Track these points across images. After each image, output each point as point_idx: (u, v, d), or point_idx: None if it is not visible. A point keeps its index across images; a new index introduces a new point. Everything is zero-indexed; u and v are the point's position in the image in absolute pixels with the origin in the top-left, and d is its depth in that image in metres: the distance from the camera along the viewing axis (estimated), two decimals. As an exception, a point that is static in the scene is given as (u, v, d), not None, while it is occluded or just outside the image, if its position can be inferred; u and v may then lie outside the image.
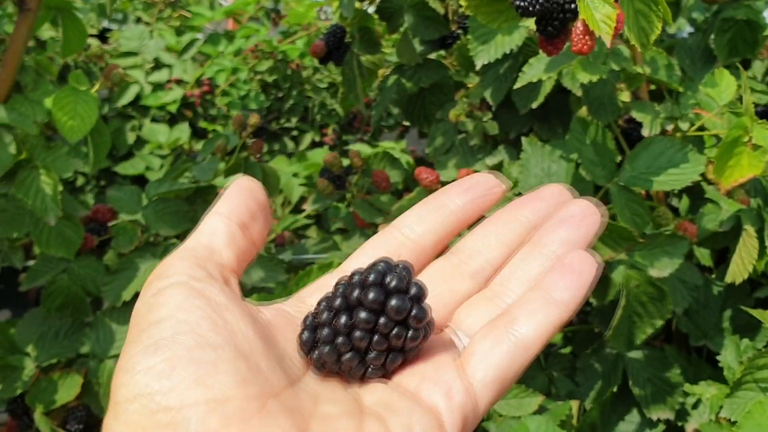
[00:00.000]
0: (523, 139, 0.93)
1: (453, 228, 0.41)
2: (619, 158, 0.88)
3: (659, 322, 0.87)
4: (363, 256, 0.40)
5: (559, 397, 0.97)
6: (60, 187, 0.89)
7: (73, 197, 1.00)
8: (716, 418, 0.91)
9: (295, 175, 1.92)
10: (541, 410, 0.93)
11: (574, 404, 0.96)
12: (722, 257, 1.04)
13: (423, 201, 0.41)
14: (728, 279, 0.94)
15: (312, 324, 0.33)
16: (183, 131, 2.23)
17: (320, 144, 2.27)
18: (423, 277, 0.39)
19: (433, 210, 0.41)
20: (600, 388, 0.96)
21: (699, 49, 1.15)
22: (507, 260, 0.40)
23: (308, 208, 1.11)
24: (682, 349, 1.03)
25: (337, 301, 0.33)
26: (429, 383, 0.33)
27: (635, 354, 0.97)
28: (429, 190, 1.05)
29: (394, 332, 0.32)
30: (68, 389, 0.94)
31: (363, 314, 0.32)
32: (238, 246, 0.36)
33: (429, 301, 0.33)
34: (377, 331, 0.32)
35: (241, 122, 1.13)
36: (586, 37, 0.69)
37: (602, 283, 0.86)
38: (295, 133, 2.33)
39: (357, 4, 1.18)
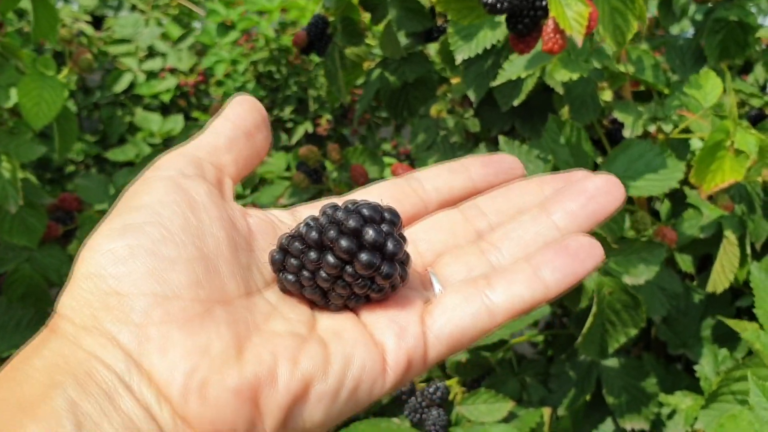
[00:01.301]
0: (500, 138, 0.90)
1: (466, 192, 0.40)
2: (600, 159, 0.85)
3: (633, 331, 0.84)
4: (367, 195, 0.39)
5: (531, 404, 0.94)
6: (21, 174, 0.87)
7: (40, 185, 0.98)
8: (691, 429, 0.88)
9: (287, 168, 1.90)
10: (511, 416, 0.90)
11: (546, 411, 0.93)
12: (705, 264, 1.01)
13: (444, 162, 0.42)
14: (709, 288, 0.91)
15: (284, 246, 0.33)
16: (177, 122, 2.21)
17: (314, 135, 2.24)
18: (429, 222, 0.39)
19: (451, 171, 0.41)
20: (573, 396, 0.93)
21: (690, 49, 1.12)
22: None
23: (284, 202, 1.09)
24: (660, 358, 1.00)
25: (312, 234, 0.32)
26: (386, 322, 0.33)
27: (610, 362, 0.94)
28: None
29: (358, 282, 0.32)
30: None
31: (331, 259, 0.32)
32: (240, 151, 0.37)
33: (423, 243, 0.35)
34: (341, 278, 0.33)
35: (218, 110, 1.10)
36: (557, 36, 0.67)
37: (575, 288, 0.83)
38: (289, 125, 2.30)
39: (340, -6, 1.15)
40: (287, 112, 2.25)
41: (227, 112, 0.38)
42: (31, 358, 0.29)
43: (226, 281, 0.32)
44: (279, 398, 0.29)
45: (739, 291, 0.98)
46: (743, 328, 0.78)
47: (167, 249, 0.31)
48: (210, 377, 0.29)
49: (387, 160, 1.38)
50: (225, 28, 2.18)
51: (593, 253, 0.34)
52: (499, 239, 0.38)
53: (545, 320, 1.32)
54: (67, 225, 0.98)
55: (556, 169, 0.89)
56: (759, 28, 1.08)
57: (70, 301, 0.30)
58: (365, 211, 0.33)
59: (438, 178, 0.40)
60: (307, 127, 2.19)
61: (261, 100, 2.28)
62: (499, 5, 0.65)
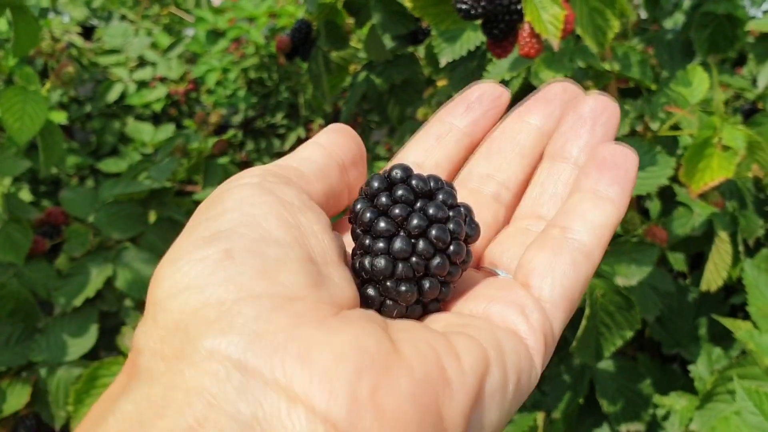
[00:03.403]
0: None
1: (463, 153, 0.36)
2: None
3: (629, 333, 0.83)
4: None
5: (524, 407, 0.93)
6: (10, 188, 0.86)
7: (23, 200, 0.97)
8: (687, 430, 0.87)
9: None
10: (505, 421, 0.89)
11: (540, 415, 0.92)
12: (697, 262, 1.00)
13: (426, 127, 0.37)
14: (703, 287, 0.90)
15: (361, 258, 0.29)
16: (168, 131, 2.20)
17: (307, 140, 2.23)
18: None
19: (438, 138, 0.36)
20: (567, 399, 0.92)
21: (678, 43, 1.11)
22: (527, 177, 0.36)
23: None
24: (655, 358, 0.99)
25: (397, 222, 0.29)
26: (499, 304, 0.28)
27: (604, 364, 0.93)
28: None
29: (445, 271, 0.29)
30: (18, 397, 0.91)
31: (425, 246, 0.28)
32: (330, 183, 0.31)
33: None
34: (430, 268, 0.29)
35: (202, 120, 1.10)
36: (533, 40, 0.66)
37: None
38: (282, 130, 2.30)
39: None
40: (279, 117, 2.24)
41: (320, 139, 0.33)
42: (105, 418, 0.22)
43: (341, 287, 0.27)
44: (458, 402, 0.24)
45: (733, 288, 0.97)
46: (737, 327, 0.77)
47: (270, 249, 0.25)
48: (380, 382, 0.22)
49: (379, 164, 1.37)
50: (215, 36, 2.17)
51: (629, 156, 0.32)
52: (534, 205, 0.34)
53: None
54: (54, 239, 0.97)
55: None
56: (747, 21, 1.07)
57: (153, 330, 0.23)
58: (442, 197, 0.29)
59: (429, 155, 0.36)
60: (300, 132, 2.18)
61: (252, 106, 2.28)
62: (473, 11, 0.64)
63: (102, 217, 0.97)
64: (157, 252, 1.00)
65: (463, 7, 0.65)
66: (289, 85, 2.23)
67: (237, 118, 2.28)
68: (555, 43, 0.65)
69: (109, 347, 0.98)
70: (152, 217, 1.02)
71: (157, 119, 2.27)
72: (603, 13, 0.70)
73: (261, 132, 2.30)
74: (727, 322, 0.79)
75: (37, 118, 0.89)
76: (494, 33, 0.68)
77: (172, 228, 1.04)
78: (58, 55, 1.86)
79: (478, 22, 0.89)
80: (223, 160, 1.92)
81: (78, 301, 0.92)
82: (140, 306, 0.97)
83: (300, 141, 2.22)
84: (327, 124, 1.95)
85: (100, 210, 0.97)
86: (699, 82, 0.89)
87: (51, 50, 0.94)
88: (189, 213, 1.20)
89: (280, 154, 2.17)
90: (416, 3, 0.70)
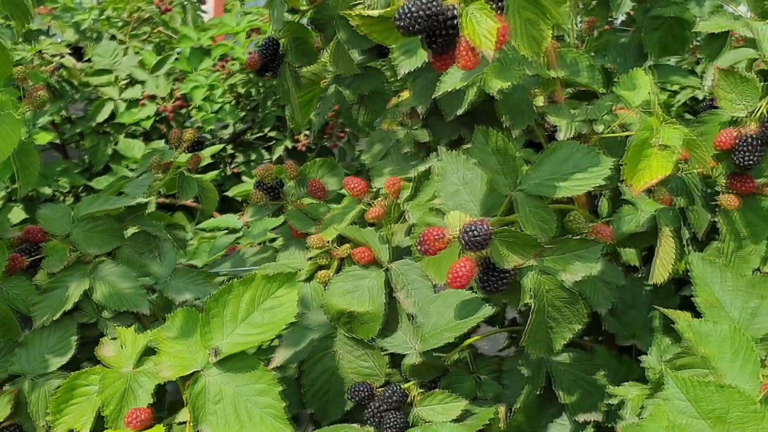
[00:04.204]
0: (440, 148, 0.93)
1: None
2: (525, 168, 0.88)
3: (577, 327, 0.87)
4: None
5: (486, 401, 0.97)
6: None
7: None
8: (640, 419, 0.90)
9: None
10: (467, 414, 0.93)
11: (501, 408, 0.96)
12: (650, 255, 1.04)
13: None
14: (651, 280, 0.94)
15: None
16: (159, 147, 2.26)
17: (294, 150, 2.28)
18: None
19: None
20: (527, 391, 0.96)
21: (631, 47, 1.15)
22: None
23: (246, 219, 1.12)
24: (612, 349, 1.03)
25: None
26: None
27: (561, 357, 0.97)
28: (358, 200, 1.06)
29: None
30: (0, 410, 0.95)
31: None
32: None
33: None
34: None
35: (177, 137, 1.14)
36: (470, 53, 0.69)
37: (515, 288, 0.86)
38: (271, 142, 2.35)
39: (290, 16, 1.19)
40: (267, 130, 2.29)
41: None
42: None
43: None
44: None
45: (684, 280, 1.01)
46: (677, 317, 0.81)
47: None
48: None
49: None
50: (201, 53, 2.23)
51: None
52: None
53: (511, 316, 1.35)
54: (33, 256, 1.02)
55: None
56: (694, 22, 1.11)
57: None
58: None
59: None
60: (287, 143, 2.23)
61: (241, 120, 2.33)
62: (411, 27, 0.68)
63: (79, 233, 1.01)
64: (133, 265, 1.04)
65: (402, 24, 0.69)
66: (275, 99, 2.28)
67: (226, 132, 2.33)
68: (490, 54, 0.69)
69: (89, 358, 1.02)
70: (130, 230, 1.06)
71: (147, 136, 2.33)
72: (537, 24, 0.74)
73: (250, 144, 2.35)
74: (670, 313, 0.83)
75: (10, 139, 0.93)
76: (434, 47, 0.72)
77: (147, 241, 1.08)
78: (47, 77, 1.91)
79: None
80: (211, 174, 1.97)
81: (57, 315, 0.97)
82: (118, 317, 1.01)
83: (287, 151, 2.27)
84: (314, 135, 1.98)
85: (77, 226, 1.02)
86: (642, 84, 0.93)
87: (23, 74, 0.98)
88: (169, 227, 1.25)
89: (268, 166, 2.22)
90: (362, 21, 0.74)
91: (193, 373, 0.84)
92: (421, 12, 0.67)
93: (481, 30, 0.69)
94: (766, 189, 0.96)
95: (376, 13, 0.72)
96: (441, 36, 0.71)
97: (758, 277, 0.93)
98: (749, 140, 0.90)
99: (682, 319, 0.81)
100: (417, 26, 0.69)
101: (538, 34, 0.75)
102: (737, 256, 0.97)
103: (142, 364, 0.90)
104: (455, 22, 0.71)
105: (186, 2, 2.62)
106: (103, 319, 1.01)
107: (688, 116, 2.28)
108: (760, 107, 0.91)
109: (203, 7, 2.91)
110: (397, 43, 0.79)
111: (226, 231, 1.69)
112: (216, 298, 0.87)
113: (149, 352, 0.91)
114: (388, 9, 0.71)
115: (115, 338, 0.95)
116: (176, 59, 2.34)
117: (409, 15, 0.67)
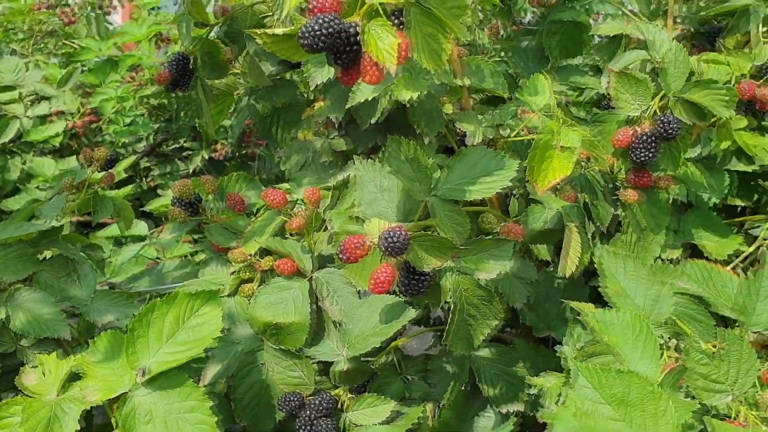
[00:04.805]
0: (355, 158, 0.96)
1: None
2: (438, 173, 0.91)
3: (494, 322, 0.91)
4: None
5: (415, 400, 1.00)
6: None
7: None
8: (557, 406, 0.95)
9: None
10: (397, 415, 0.96)
11: (429, 406, 1.00)
12: (561, 250, 1.09)
13: None
14: (560, 272, 0.99)
15: None
16: (71, 164, 2.19)
17: (212, 160, 2.26)
18: None
19: None
20: (452, 388, 1.00)
21: (533, 51, 1.21)
22: None
23: (166, 236, 1.11)
24: (531, 341, 1.08)
25: None
26: None
27: (482, 352, 1.01)
28: (278, 212, 1.07)
29: None
30: None
31: None
32: None
33: None
34: None
35: (89, 156, 1.13)
36: (373, 68, 0.72)
37: (435, 289, 0.89)
38: (188, 152, 2.32)
39: (199, 31, 1.19)
40: (183, 141, 2.26)
41: None
42: None
43: None
44: None
45: (594, 272, 1.07)
46: (583, 309, 0.86)
47: None
48: None
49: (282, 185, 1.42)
50: (109, 65, 2.18)
51: None
52: None
53: (436, 316, 1.39)
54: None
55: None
56: (590, 26, 1.18)
57: None
58: None
59: None
60: (204, 153, 2.21)
61: (156, 132, 2.29)
62: (315, 45, 0.70)
63: (-9, 261, 0.99)
64: (51, 290, 1.02)
65: (305, 42, 0.70)
66: (189, 109, 2.25)
67: (141, 145, 2.29)
68: (392, 69, 0.72)
69: (10, 388, 1.00)
70: (47, 254, 1.04)
71: (58, 153, 2.26)
72: (436, 38, 0.77)
73: (166, 156, 2.32)
74: (576, 305, 0.88)
75: None
76: (339, 63, 0.74)
77: (65, 265, 1.06)
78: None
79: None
80: (127, 189, 1.93)
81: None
82: (39, 344, 0.99)
83: (205, 161, 2.24)
84: (234, 143, 1.95)
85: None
86: (542, 89, 0.98)
87: None
88: (86, 248, 1.22)
89: (186, 177, 2.18)
90: (268, 39, 0.76)
91: (122, 394, 0.84)
92: (323, 30, 0.69)
93: (383, 46, 0.71)
94: (663, 182, 1.02)
95: (280, 31, 0.74)
96: (345, 52, 0.73)
97: (658, 265, 1.00)
98: (644, 138, 0.96)
99: (587, 310, 0.86)
100: (320, 44, 0.71)
101: (438, 47, 0.78)
102: (640, 245, 1.04)
103: (67, 391, 0.88)
104: (358, 38, 0.73)
105: (92, 13, 2.55)
106: (23, 348, 0.99)
107: (597, 110, 2.39)
108: (652, 106, 0.98)
109: (112, 18, 2.84)
110: (305, 58, 0.80)
111: (134, 240, 1.67)
112: (140, 318, 0.87)
113: (74, 377, 0.90)
114: (293, 27, 0.73)
115: (36, 366, 0.93)
116: (83, 72, 2.28)
117: (312, 33, 0.69)
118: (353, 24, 0.72)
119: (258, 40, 0.75)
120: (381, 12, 0.72)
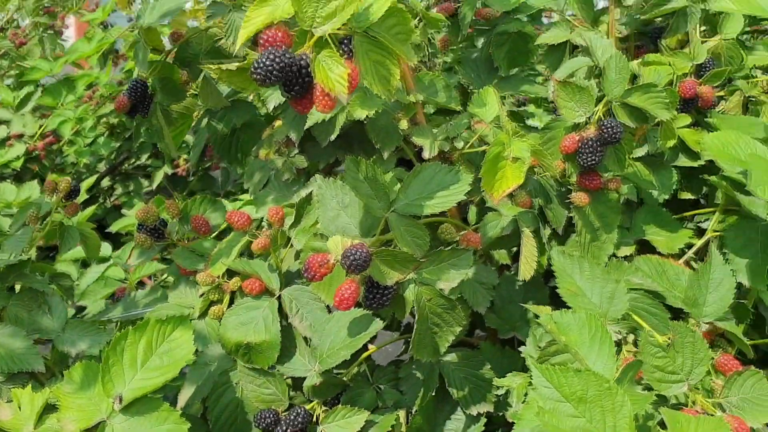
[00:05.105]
0: (317, 176, 0.98)
1: None
2: (397, 186, 0.94)
3: (458, 329, 0.95)
4: None
5: (387, 409, 1.04)
6: None
7: None
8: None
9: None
10: (370, 424, 0.99)
11: (402, 413, 1.03)
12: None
13: None
14: (520, 277, 1.03)
15: None
16: (33, 188, 2.18)
17: (174, 176, 2.27)
18: None
19: None
20: (423, 394, 1.03)
21: (482, 62, 1.24)
22: None
23: (132, 262, 1.13)
24: (496, 343, 1.12)
25: None
26: None
27: (449, 357, 1.04)
28: (243, 232, 1.09)
29: None
30: None
31: None
32: None
33: None
34: None
35: (52, 187, 1.13)
36: (326, 98, 0.75)
37: (399, 301, 0.93)
38: (149, 170, 2.32)
39: (155, 56, 1.20)
40: (144, 158, 2.26)
41: None
42: None
43: None
44: None
45: (553, 273, 1.11)
46: (540, 311, 0.90)
47: None
48: None
49: (234, 204, 1.44)
50: (65, 85, 2.17)
51: None
52: None
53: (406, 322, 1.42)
54: None
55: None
56: (536, 36, 1.22)
57: None
58: None
59: None
60: (166, 169, 2.21)
61: (117, 151, 2.29)
62: (267, 80, 0.73)
63: (-42, 299, 0.99)
64: (22, 324, 1.03)
65: (257, 77, 0.73)
66: (149, 127, 2.25)
67: (102, 165, 2.29)
68: (343, 97, 0.75)
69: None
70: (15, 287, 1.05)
71: (18, 177, 2.24)
72: (384, 64, 0.80)
73: (128, 175, 2.32)
74: (533, 308, 0.92)
75: None
76: (292, 94, 0.77)
77: (35, 297, 1.07)
78: None
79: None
80: (90, 210, 1.93)
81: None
82: (12, 378, 1.00)
83: (167, 177, 2.25)
84: (194, 159, 1.95)
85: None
86: (491, 101, 1.01)
87: None
88: (53, 277, 1.23)
89: (149, 194, 2.19)
90: (221, 74, 0.78)
91: (99, 423, 0.85)
92: (274, 64, 0.72)
93: (333, 76, 0.74)
94: (611, 184, 1.07)
95: (234, 66, 0.77)
96: (298, 83, 0.76)
97: (612, 263, 1.05)
98: (589, 143, 1.00)
99: (544, 312, 0.90)
100: (273, 78, 0.74)
101: (387, 72, 0.81)
102: (594, 245, 1.08)
103: (44, 423, 0.90)
104: (309, 69, 0.76)
105: (44, 34, 2.53)
106: (-5, 383, 0.99)
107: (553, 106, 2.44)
108: (596, 112, 1.02)
109: (65, 36, 2.82)
110: (259, 90, 0.83)
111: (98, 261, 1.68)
112: (113, 346, 0.89)
113: (50, 409, 0.91)
114: (245, 62, 0.76)
115: (10, 400, 0.94)
116: (41, 95, 2.26)
117: (263, 68, 0.72)
118: (303, 56, 0.74)
119: (213, 74, 0.78)
120: (330, 42, 0.75)
